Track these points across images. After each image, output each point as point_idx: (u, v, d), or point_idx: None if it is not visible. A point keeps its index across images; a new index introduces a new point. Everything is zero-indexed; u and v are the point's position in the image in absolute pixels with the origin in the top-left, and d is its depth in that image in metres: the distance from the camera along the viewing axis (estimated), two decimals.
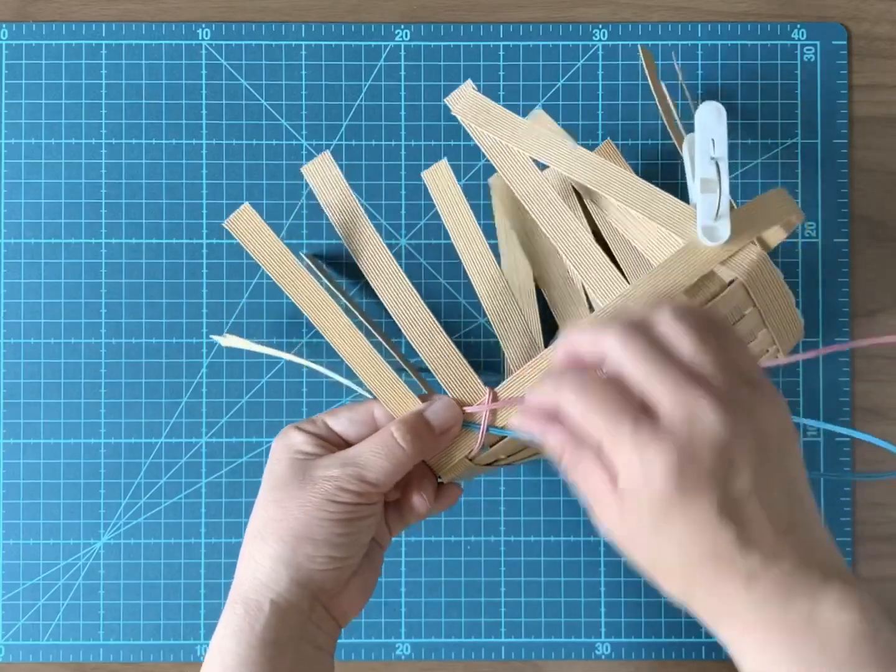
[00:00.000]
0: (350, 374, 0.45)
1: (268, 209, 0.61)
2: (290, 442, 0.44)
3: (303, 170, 0.47)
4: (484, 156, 0.61)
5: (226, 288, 0.61)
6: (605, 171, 0.44)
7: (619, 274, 0.43)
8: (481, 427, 0.43)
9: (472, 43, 0.61)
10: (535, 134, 0.46)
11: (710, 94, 0.61)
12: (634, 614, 0.61)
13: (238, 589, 0.43)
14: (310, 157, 0.61)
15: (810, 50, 0.61)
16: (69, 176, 0.61)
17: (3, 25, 0.62)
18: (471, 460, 0.45)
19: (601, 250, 0.43)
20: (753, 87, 0.61)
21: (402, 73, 0.61)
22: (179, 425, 0.61)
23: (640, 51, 0.53)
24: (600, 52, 0.62)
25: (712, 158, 0.42)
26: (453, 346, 0.44)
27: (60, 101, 0.61)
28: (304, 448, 0.44)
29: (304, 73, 0.62)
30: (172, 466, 0.61)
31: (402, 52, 0.62)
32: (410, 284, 0.44)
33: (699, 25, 0.62)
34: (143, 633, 0.60)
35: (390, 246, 0.61)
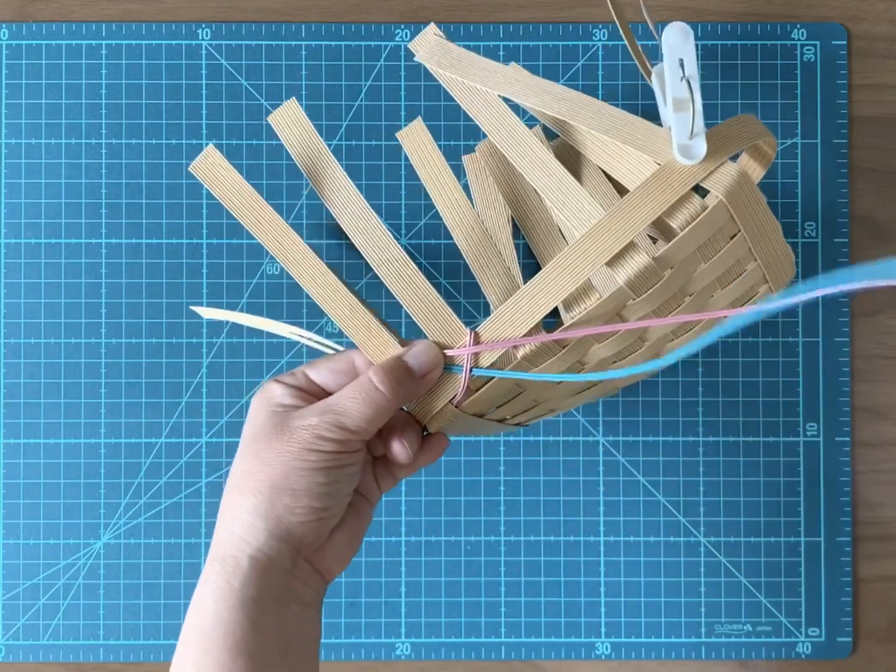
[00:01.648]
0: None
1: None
2: (269, 395, 0.43)
3: (270, 119, 0.45)
4: None
5: (226, 288, 0.61)
6: (575, 100, 0.43)
7: (596, 203, 0.41)
8: (464, 369, 0.42)
9: (472, 43, 0.61)
10: (500, 72, 0.44)
11: (710, 94, 0.61)
12: (634, 614, 0.61)
13: (216, 546, 0.42)
14: None
15: (810, 50, 0.61)
16: (69, 176, 0.61)
17: (3, 25, 0.62)
18: (456, 407, 0.43)
19: (575, 180, 0.42)
20: (753, 87, 0.61)
21: (402, 73, 0.62)
22: (179, 425, 0.61)
23: None
24: (600, 52, 0.62)
25: (683, 78, 0.41)
26: (431, 287, 0.43)
27: (60, 101, 0.62)
28: (283, 400, 0.43)
29: (304, 73, 0.62)
30: (172, 466, 0.61)
31: (402, 52, 0.62)
32: (384, 226, 0.43)
33: (699, 25, 0.62)
34: (143, 632, 0.60)
35: None
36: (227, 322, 0.61)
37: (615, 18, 0.50)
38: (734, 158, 0.43)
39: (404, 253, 0.42)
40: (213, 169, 0.44)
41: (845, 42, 0.61)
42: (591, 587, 0.61)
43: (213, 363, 0.61)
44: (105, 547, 0.61)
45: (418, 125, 0.46)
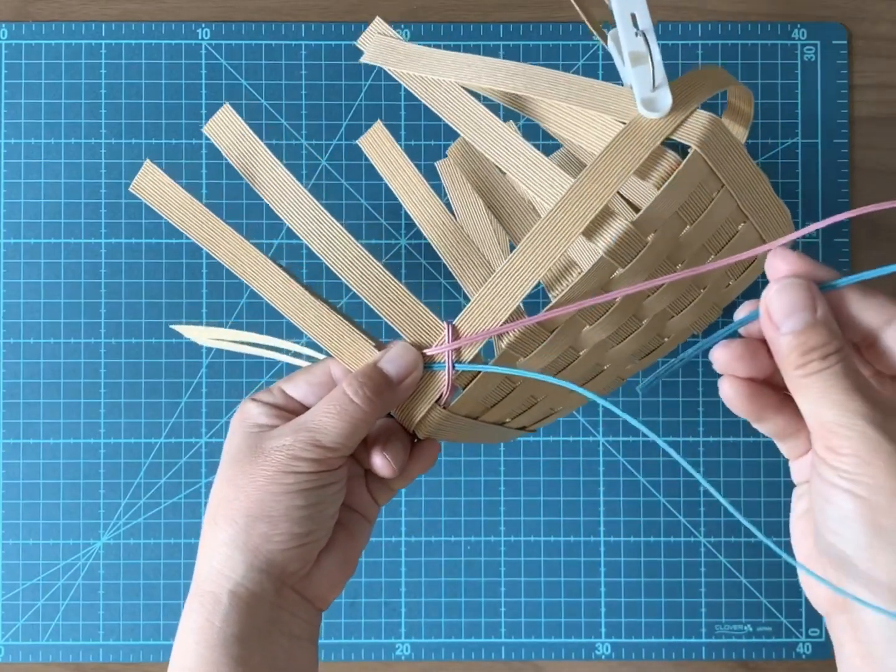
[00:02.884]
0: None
1: (267, 209, 0.60)
2: (245, 415, 0.41)
3: (206, 130, 0.43)
4: None
5: (226, 288, 0.61)
6: (529, 73, 0.41)
7: (564, 173, 0.39)
8: (446, 366, 0.39)
9: (472, 43, 0.61)
10: (450, 59, 0.42)
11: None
12: (634, 615, 0.61)
13: (195, 582, 0.39)
14: (310, 156, 0.61)
15: (810, 50, 0.61)
16: (69, 176, 0.61)
17: (3, 25, 0.62)
18: (444, 408, 0.41)
19: (539, 153, 0.39)
20: (753, 87, 0.61)
21: None
22: (179, 425, 0.61)
23: None
24: (600, 52, 0.62)
25: (637, 34, 0.39)
26: (401, 284, 0.40)
27: (60, 100, 0.61)
28: (259, 420, 0.40)
29: (303, 72, 0.62)
30: (172, 466, 0.61)
31: None
32: (341, 225, 0.40)
33: (699, 25, 0.61)
34: (142, 633, 0.60)
35: (390, 246, 0.61)
36: (227, 322, 0.61)
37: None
38: None
39: (366, 252, 0.40)
40: (155, 186, 0.41)
41: (845, 42, 0.61)
42: (592, 587, 0.61)
43: (212, 363, 0.61)
44: (105, 547, 0.61)
45: (378, 128, 0.45)
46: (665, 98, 0.38)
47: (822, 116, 0.61)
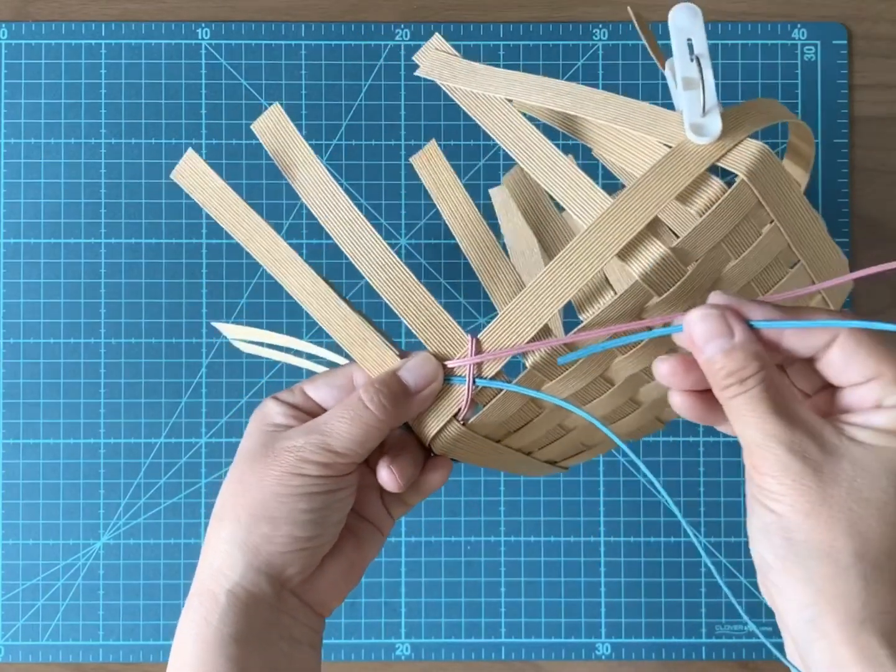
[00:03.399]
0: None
1: (267, 209, 0.61)
2: (263, 413, 0.40)
3: (254, 127, 0.42)
4: (484, 156, 0.61)
5: (225, 288, 0.61)
6: (578, 93, 0.40)
7: (605, 193, 0.38)
8: (466, 381, 0.38)
9: (472, 42, 0.61)
10: (501, 76, 0.42)
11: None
12: (635, 615, 0.61)
13: (196, 580, 0.39)
14: None
15: (811, 50, 0.61)
16: (68, 176, 0.61)
17: (3, 25, 0.62)
18: (463, 424, 0.40)
19: (581, 171, 0.39)
20: (753, 87, 0.61)
21: (402, 72, 0.61)
22: (179, 425, 0.61)
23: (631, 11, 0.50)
24: (600, 52, 0.62)
25: (692, 58, 0.38)
26: (428, 293, 0.39)
27: (60, 100, 0.61)
28: (277, 420, 0.40)
29: (303, 72, 0.62)
30: (172, 467, 0.61)
31: (402, 52, 0.61)
32: (373, 229, 0.40)
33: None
34: (142, 633, 0.60)
35: (391, 246, 0.61)
36: (227, 322, 0.61)
37: (632, 18, 0.49)
38: None
39: (397, 257, 0.39)
40: (195, 175, 0.41)
41: (846, 42, 0.61)
42: (592, 588, 0.61)
43: (212, 363, 0.61)
44: (104, 547, 0.61)
45: (432, 147, 0.44)
46: (714, 124, 0.37)
47: (822, 116, 0.61)
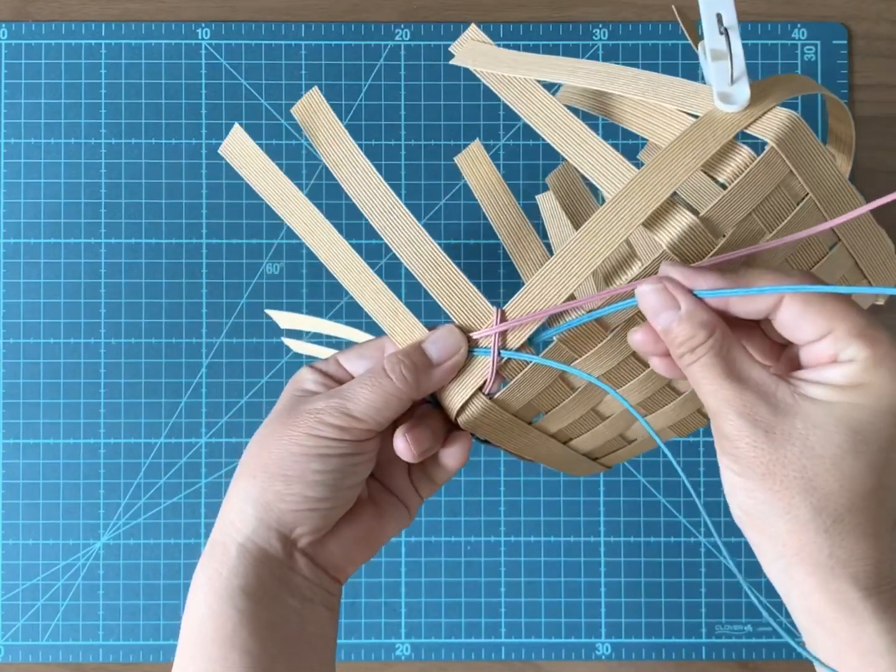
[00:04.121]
0: None
1: (267, 209, 0.61)
2: (297, 379, 0.42)
3: (293, 110, 0.43)
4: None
5: (225, 288, 0.61)
6: (608, 70, 0.40)
7: (630, 164, 0.38)
8: (492, 351, 0.38)
9: None
10: (532, 60, 0.42)
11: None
12: (635, 615, 0.61)
13: (213, 531, 0.40)
14: (310, 156, 0.61)
15: (811, 49, 0.61)
16: (68, 176, 0.61)
17: (3, 25, 0.61)
18: (489, 397, 0.39)
19: (609, 146, 0.38)
20: None
21: (402, 72, 0.61)
22: (179, 425, 0.61)
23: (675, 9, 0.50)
24: (600, 52, 0.62)
25: (721, 33, 0.38)
26: (456, 268, 0.39)
27: (60, 100, 0.61)
28: (308, 386, 0.41)
29: (303, 72, 0.61)
30: (172, 467, 0.61)
31: (402, 52, 0.61)
32: (404, 205, 0.40)
33: (699, 25, 0.61)
34: (142, 633, 0.60)
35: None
36: (227, 322, 0.61)
37: (675, 12, 0.49)
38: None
39: (426, 233, 0.40)
40: (241, 150, 0.42)
41: (846, 42, 0.61)
42: (592, 588, 0.61)
43: (212, 363, 0.61)
44: (104, 547, 0.61)
45: (475, 147, 0.43)
46: (742, 92, 0.37)
47: (823, 116, 0.61)
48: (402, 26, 0.62)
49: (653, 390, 0.42)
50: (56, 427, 0.61)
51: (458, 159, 0.43)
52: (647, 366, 0.40)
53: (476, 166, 0.43)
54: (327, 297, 0.61)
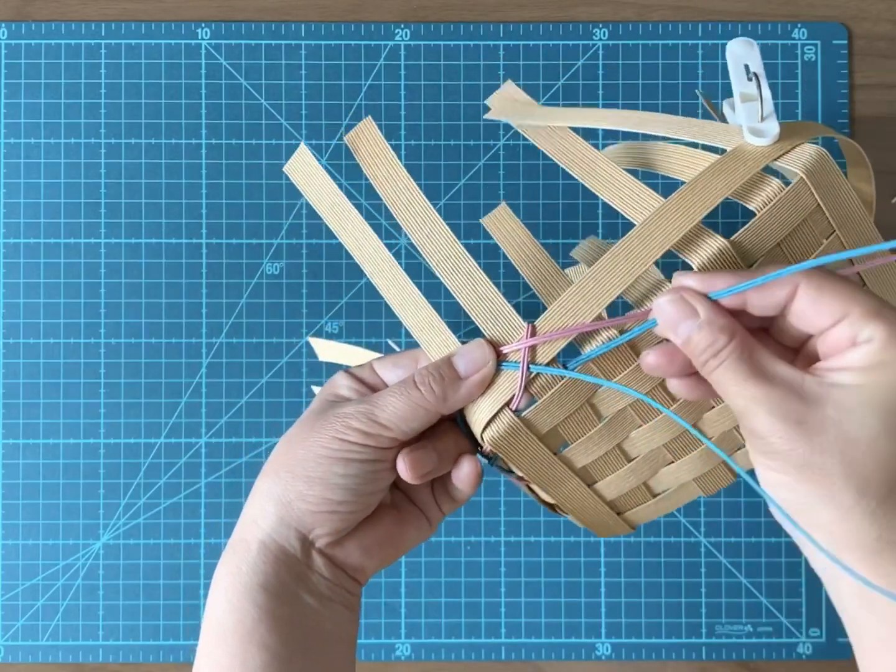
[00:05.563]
0: None
1: (267, 209, 0.61)
2: (331, 384, 0.43)
3: (346, 138, 0.45)
4: (484, 155, 0.61)
5: (225, 288, 0.61)
6: (640, 115, 0.42)
7: (655, 193, 0.39)
8: (520, 366, 0.38)
9: (471, 42, 0.61)
10: (566, 111, 0.45)
11: (711, 93, 0.61)
12: (635, 615, 0.61)
13: (236, 527, 0.41)
14: None
15: (811, 49, 0.61)
16: (68, 176, 0.61)
17: (3, 24, 0.61)
18: (516, 413, 0.40)
19: (639, 182, 0.40)
20: None
21: (402, 72, 0.61)
22: (179, 425, 0.61)
23: (700, 95, 0.52)
24: (600, 52, 0.61)
25: (750, 79, 0.40)
26: (491, 283, 0.40)
27: (59, 100, 0.61)
28: (342, 391, 0.42)
29: (303, 72, 0.61)
30: (172, 467, 0.61)
31: (402, 52, 0.61)
32: (444, 223, 0.41)
33: (699, 25, 0.61)
34: (142, 633, 0.60)
35: (390, 246, 0.61)
36: (227, 322, 0.61)
37: (701, 98, 0.50)
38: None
39: (464, 249, 0.41)
40: (304, 169, 0.43)
41: (846, 41, 0.61)
42: (592, 588, 0.61)
43: (212, 363, 0.61)
44: (104, 547, 0.61)
45: (502, 209, 0.44)
46: (773, 126, 0.39)
47: (823, 116, 0.61)
48: (402, 26, 0.62)
49: (680, 429, 0.42)
50: (56, 427, 0.61)
51: (485, 221, 0.45)
52: (674, 400, 0.41)
53: (502, 226, 0.44)
54: (327, 297, 0.61)
